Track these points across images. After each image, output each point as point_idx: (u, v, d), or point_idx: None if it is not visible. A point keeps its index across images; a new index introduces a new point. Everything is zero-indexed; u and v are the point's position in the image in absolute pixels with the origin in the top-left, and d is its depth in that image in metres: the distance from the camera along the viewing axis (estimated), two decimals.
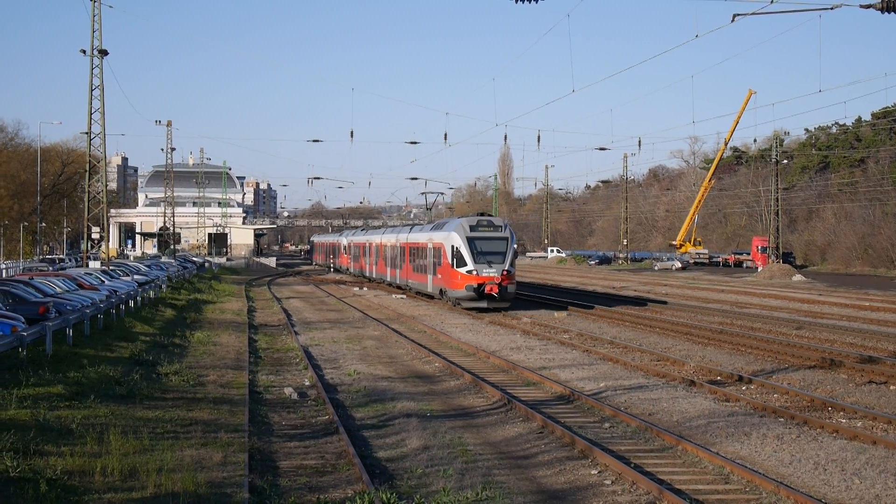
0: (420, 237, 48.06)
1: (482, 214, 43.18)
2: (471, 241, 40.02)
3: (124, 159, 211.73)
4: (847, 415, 17.28)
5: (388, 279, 57.59)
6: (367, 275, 66.65)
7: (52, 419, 15.04)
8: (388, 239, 57.83)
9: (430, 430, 16.09)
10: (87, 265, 52.25)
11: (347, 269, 77.81)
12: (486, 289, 39.29)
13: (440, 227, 44.73)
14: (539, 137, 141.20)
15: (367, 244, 66.60)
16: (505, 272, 39.45)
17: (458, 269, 40.10)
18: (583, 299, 47.20)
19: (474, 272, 39.55)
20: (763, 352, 26.00)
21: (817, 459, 13.94)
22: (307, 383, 21.34)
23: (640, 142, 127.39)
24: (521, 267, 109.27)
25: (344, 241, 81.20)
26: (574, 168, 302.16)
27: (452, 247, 40.46)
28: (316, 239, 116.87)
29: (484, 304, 39.66)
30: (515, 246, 41.22)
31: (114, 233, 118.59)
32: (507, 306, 40.47)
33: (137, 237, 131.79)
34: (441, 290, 43.05)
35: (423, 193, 70.41)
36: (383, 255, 59.20)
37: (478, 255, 39.75)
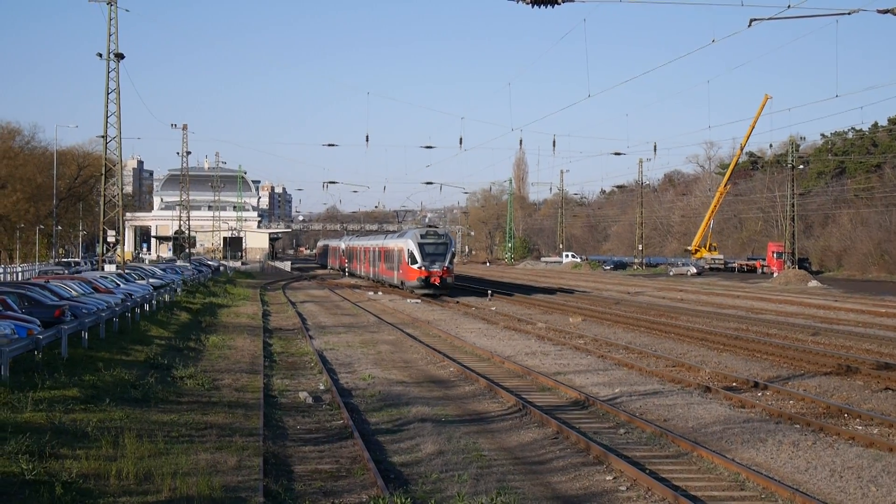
0: (390, 243, 61.47)
1: (430, 226, 59.95)
2: (421, 246, 53.37)
3: (140, 163, 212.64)
4: (863, 422, 17.17)
5: (371, 276, 71.27)
6: (357, 273, 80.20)
7: (68, 422, 15.10)
8: (371, 244, 72.27)
9: (444, 434, 16.07)
10: (103, 268, 52.57)
11: (345, 269, 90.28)
12: (432, 280, 52.78)
13: (402, 236, 57.70)
14: (554, 142, 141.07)
15: (358, 248, 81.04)
16: (445, 268, 53.08)
17: (412, 266, 53.49)
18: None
19: (423, 268, 52.94)
20: (779, 358, 25.86)
21: (833, 466, 13.86)
22: (322, 387, 21.36)
23: (655, 147, 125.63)
24: (534, 272, 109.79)
25: (342, 245, 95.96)
26: (589, 173, 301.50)
27: (408, 250, 54.00)
28: (329, 243, 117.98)
29: (430, 291, 53.06)
30: (454, 250, 55.48)
31: (129, 236, 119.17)
32: (447, 292, 53.62)
33: (153, 241, 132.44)
34: (402, 281, 56.49)
35: (394, 211, 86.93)
36: (368, 257, 73.37)
37: (426, 256, 53.19)
